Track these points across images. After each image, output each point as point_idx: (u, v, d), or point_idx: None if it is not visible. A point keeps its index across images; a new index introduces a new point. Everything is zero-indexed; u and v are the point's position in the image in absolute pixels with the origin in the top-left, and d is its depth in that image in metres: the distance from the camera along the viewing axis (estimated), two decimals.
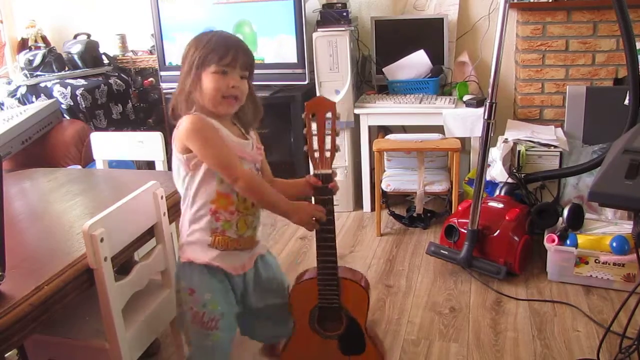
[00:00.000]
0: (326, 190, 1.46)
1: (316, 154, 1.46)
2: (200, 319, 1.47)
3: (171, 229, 1.72)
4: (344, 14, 3.05)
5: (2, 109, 3.16)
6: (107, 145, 2.34)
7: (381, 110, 3.07)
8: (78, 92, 3.12)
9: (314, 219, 1.47)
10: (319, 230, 1.50)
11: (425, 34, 3.18)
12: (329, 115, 1.42)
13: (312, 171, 1.48)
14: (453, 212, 2.78)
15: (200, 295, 1.47)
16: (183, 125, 1.38)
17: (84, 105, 3.13)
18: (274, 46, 3.11)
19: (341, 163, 3.18)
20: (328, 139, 1.44)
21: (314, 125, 1.45)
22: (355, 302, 1.58)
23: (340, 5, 3.11)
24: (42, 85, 3.15)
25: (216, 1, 3.12)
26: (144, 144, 2.28)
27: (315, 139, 1.46)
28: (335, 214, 1.50)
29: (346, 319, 1.59)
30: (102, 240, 1.35)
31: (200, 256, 1.46)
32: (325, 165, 1.45)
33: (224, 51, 1.38)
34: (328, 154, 1.45)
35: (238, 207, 1.46)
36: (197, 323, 1.48)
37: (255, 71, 1.49)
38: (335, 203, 1.50)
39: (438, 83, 3.14)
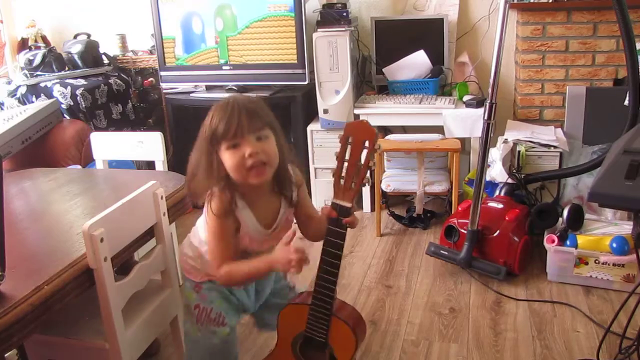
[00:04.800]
0: (339, 223, 1.31)
1: (341, 181, 1.30)
2: (207, 315, 1.51)
3: (171, 229, 1.72)
4: (344, 14, 3.05)
5: (2, 109, 3.16)
6: (107, 145, 2.35)
7: (381, 111, 3.07)
8: (78, 92, 3.12)
9: (294, 260, 1.31)
10: (322, 262, 1.37)
11: (425, 34, 3.18)
12: (367, 144, 1.26)
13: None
14: (453, 212, 2.78)
15: (207, 292, 1.52)
16: (213, 198, 1.38)
17: (84, 105, 3.13)
18: (273, 46, 3.11)
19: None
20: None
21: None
22: (342, 346, 1.44)
23: (340, 5, 3.10)
24: (42, 85, 3.15)
25: None
26: (144, 144, 2.28)
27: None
28: None
29: (329, 356, 1.47)
30: (102, 240, 1.35)
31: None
32: (345, 197, 1.30)
33: (226, 124, 1.31)
34: (353, 185, 1.29)
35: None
36: (204, 320, 1.52)
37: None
38: None
39: (438, 83, 3.14)
